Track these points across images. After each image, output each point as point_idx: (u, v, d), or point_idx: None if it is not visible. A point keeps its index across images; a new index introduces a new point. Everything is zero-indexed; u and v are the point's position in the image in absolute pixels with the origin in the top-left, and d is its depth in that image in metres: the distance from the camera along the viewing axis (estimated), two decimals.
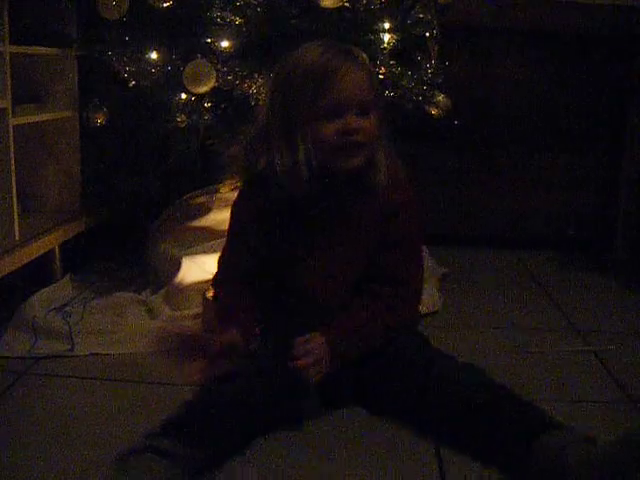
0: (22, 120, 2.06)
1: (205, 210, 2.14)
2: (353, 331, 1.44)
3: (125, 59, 2.01)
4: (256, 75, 1.90)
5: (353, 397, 1.51)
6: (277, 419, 1.40)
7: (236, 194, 1.62)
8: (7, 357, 1.75)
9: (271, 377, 1.38)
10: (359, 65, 1.41)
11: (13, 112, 1.98)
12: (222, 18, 1.90)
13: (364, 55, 1.45)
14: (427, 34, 2.10)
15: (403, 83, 2.01)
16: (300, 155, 1.40)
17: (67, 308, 1.99)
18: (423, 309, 1.96)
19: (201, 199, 2.18)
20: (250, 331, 1.47)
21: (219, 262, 1.62)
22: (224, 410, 1.30)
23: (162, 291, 2.09)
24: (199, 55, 1.92)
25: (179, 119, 1.98)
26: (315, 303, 1.50)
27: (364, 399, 1.50)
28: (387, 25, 2.03)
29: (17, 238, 2.01)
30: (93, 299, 2.07)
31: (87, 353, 1.79)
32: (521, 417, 1.26)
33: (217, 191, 2.11)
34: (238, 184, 1.59)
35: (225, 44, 1.92)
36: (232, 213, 1.59)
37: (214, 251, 1.98)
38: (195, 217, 2.14)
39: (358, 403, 1.51)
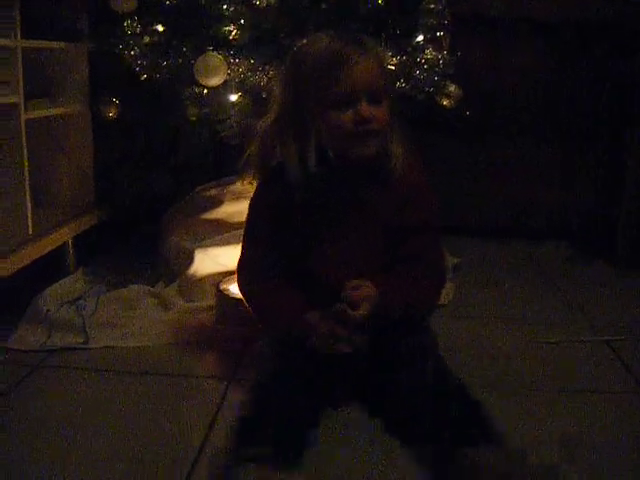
0: (34, 115, 2.07)
1: (217, 203, 2.14)
2: (400, 291, 1.44)
3: (136, 52, 2.01)
4: (267, 67, 1.90)
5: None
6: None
7: (249, 187, 1.61)
8: (21, 350, 1.76)
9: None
10: (369, 53, 1.40)
11: (25, 107, 1.99)
12: (233, 10, 1.89)
13: (374, 43, 1.45)
14: (438, 24, 2.09)
15: (415, 74, 2.01)
16: (312, 144, 1.40)
17: (80, 301, 2.00)
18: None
19: (213, 192, 2.18)
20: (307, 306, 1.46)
21: (243, 264, 1.57)
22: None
23: (175, 283, 2.09)
24: (210, 48, 1.92)
25: (190, 112, 1.99)
26: (333, 291, 1.49)
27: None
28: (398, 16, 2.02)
29: (30, 232, 2.02)
30: (106, 292, 2.07)
31: (101, 346, 1.80)
32: (456, 424, 1.28)
33: (233, 183, 2.10)
34: (254, 181, 1.57)
35: (236, 36, 1.92)
36: (250, 211, 1.57)
37: (226, 243, 1.99)
38: (207, 210, 2.15)
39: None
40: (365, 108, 1.38)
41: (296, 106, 1.42)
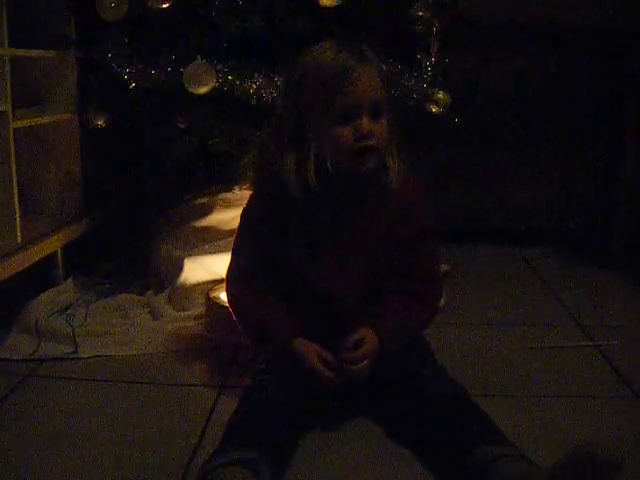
0: (22, 123, 2.06)
1: (207, 211, 2.14)
2: (399, 327, 1.44)
3: (124, 61, 2.01)
4: (256, 75, 1.90)
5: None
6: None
7: (240, 196, 1.60)
8: (11, 360, 1.75)
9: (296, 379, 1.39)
10: (372, 67, 1.39)
11: (13, 115, 1.98)
12: (222, 18, 1.90)
13: (375, 55, 1.44)
14: (427, 31, 2.10)
15: (403, 81, 2.01)
16: (311, 157, 1.39)
17: (70, 310, 1.99)
18: None
19: (203, 200, 2.18)
20: (298, 329, 1.46)
21: (232, 275, 1.57)
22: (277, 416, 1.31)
23: (165, 292, 2.09)
24: (199, 56, 1.92)
25: (179, 120, 1.98)
26: (331, 306, 1.49)
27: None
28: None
29: (19, 241, 2.01)
30: (96, 301, 2.07)
31: (90, 355, 1.80)
32: (468, 427, 1.27)
33: (223, 191, 2.10)
34: (250, 186, 1.56)
35: (224, 44, 1.92)
36: (244, 218, 1.56)
37: (217, 252, 1.98)
38: (197, 218, 2.14)
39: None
40: (366, 124, 1.37)
41: (296, 117, 1.41)
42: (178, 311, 2.01)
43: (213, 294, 1.89)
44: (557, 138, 2.85)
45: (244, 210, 1.56)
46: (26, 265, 2.00)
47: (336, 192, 1.44)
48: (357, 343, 1.38)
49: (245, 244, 1.55)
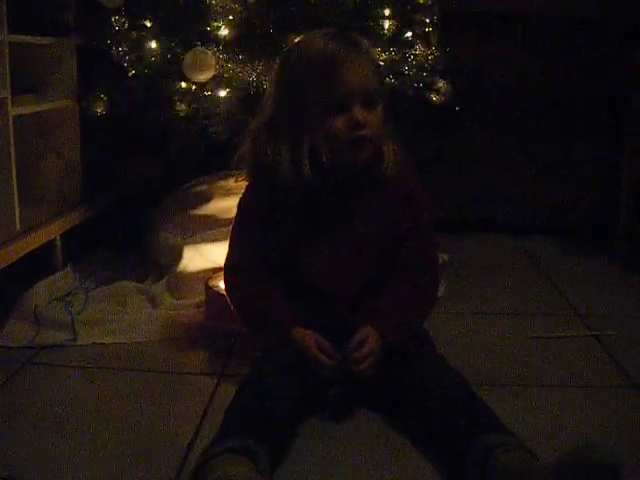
0: (22, 110, 2.06)
1: (206, 198, 2.14)
2: (401, 321, 1.44)
3: (124, 48, 2.00)
4: (256, 62, 1.90)
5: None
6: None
7: (239, 184, 1.59)
8: (9, 347, 1.76)
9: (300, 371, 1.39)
10: (364, 56, 1.38)
11: (13, 102, 1.98)
12: (222, 6, 1.89)
13: (367, 43, 1.43)
14: (427, 20, 2.09)
15: (404, 70, 2.00)
16: (305, 148, 1.39)
17: (69, 298, 1.99)
18: None
19: (202, 187, 2.18)
20: (296, 319, 1.46)
21: (230, 267, 1.56)
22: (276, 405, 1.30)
23: (164, 280, 2.09)
24: (199, 43, 1.92)
25: (179, 108, 1.98)
26: (329, 297, 1.48)
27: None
28: (387, 11, 2.02)
29: (18, 228, 2.00)
30: (95, 289, 2.07)
31: (90, 342, 1.80)
32: (468, 416, 1.26)
33: (223, 178, 2.10)
34: (245, 177, 1.55)
35: (225, 32, 1.91)
36: (240, 208, 1.55)
37: (216, 239, 1.98)
38: (196, 205, 2.14)
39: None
40: (359, 113, 1.36)
41: (289, 108, 1.40)
42: (177, 299, 2.01)
43: (212, 282, 1.89)
44: (558, 130, 2.84)
45: (240, 201, 1.56)
46: (25, 252, 2.00)
47: (332, 182, 1.44)
48: (360, 342, 1.37)
49: (242, 235, 1.54)
